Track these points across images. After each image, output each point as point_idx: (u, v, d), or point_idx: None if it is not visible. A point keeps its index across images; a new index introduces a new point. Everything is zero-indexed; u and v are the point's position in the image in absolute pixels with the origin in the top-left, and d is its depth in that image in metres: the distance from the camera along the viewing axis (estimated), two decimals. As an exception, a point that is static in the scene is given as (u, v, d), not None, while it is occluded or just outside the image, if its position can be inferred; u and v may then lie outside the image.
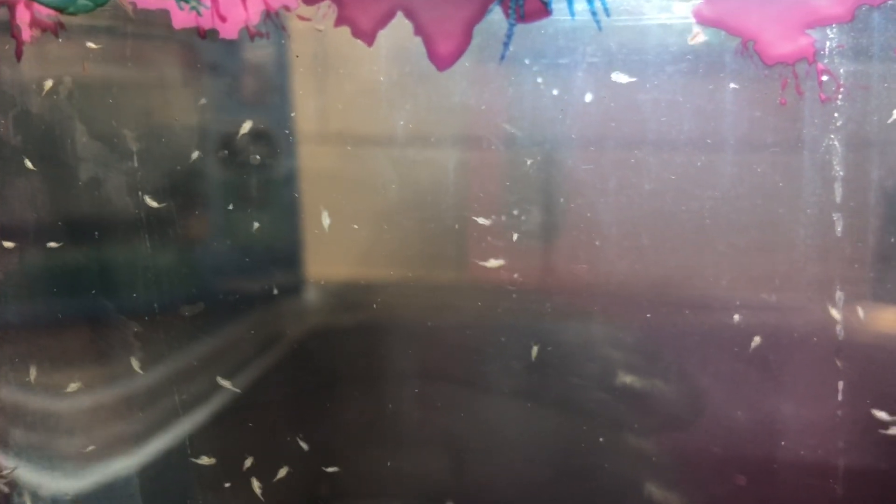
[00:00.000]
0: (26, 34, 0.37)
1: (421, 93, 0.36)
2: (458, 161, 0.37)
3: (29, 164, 0.38)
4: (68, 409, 0.41)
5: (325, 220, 0.38)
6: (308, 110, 0.36)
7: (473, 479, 0.39)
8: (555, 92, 0.35)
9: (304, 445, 0.39)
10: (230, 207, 0.38)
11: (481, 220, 0.37)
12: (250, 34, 0.36)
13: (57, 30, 0.37)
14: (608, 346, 0.37)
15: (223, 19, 0.35)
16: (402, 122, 0.36)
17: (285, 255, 0.37)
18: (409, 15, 0.34)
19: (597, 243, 0.35)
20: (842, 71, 0.33)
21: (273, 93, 0.36)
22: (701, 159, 0.35)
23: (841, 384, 0.35)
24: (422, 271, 0.38)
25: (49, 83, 0.38)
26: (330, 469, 0.40)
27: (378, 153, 0.37)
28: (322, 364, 0.39)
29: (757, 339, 0.36)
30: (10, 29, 0.37)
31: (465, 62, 0.34)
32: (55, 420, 0.42)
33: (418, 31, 0.34)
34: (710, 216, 0.36)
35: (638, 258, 0.35)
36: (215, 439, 0.40)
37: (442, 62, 0.34)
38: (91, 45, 0.37)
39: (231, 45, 0.36)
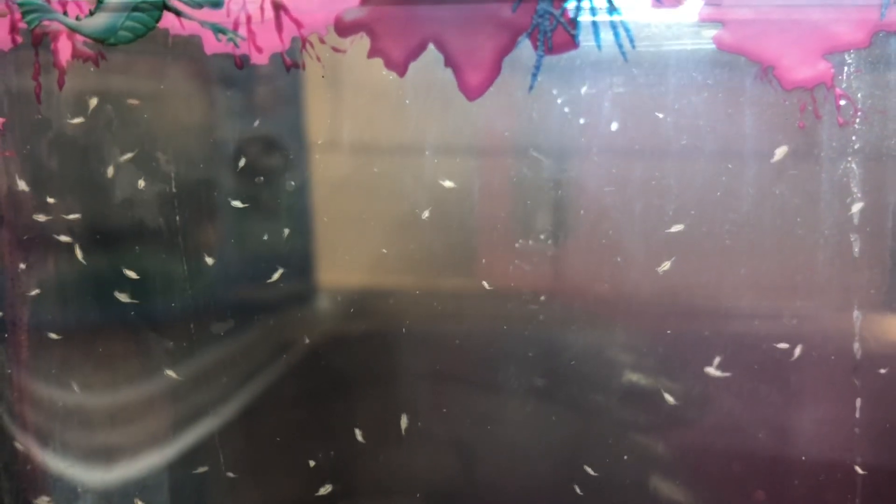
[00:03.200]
0: (68, 63, 0.37)
1: (449, 119, 0.36)
2: (488, 186, 0.37)
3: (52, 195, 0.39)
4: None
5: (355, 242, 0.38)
6: (335, 133, 0.37)
7: (484, 482, 0.40)
8: (581, 121, 0.36)
9: (317, 448, 0.40)
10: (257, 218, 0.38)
11: (517, 245, 0.37)
12: (286, 65, 0.36)
13: (98, 60, 0.37)
14: (624, 359, 0.37)
15: (259, 50, 0.36)
16: (430, 148, 0.36)
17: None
18: (441, 47, 0.35)
19: (618, 259, 0.36)
20: (859, 95, 0.34)
21: (296, 114, 0.37)
22: (721, 182, 0.36)
23: (858, 401, 0.36)
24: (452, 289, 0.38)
25: (91, 110, 0.39)
26: (339, 472, 0.40)
27: (407, 176, 0.37)
28: (334, 370, 0.39)
29: (776, 360, 0.36)
30: (53, 58, 0.38)
31: (493, 92, 0.35)
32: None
33: (449, 62, 0.35)
34: (730, 238, 0.36)
35: (658, 277, 0.36)
36: (227, 438, 0.40)
37: (472, 92, 0.35)
38: (133, 101, 0.38)
39: (262, 71, 0.36)
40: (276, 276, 0.39)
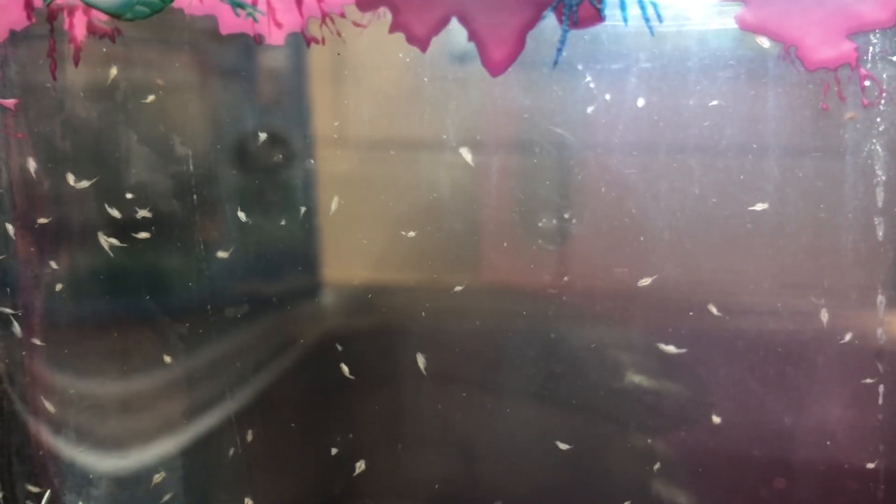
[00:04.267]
0: (83, 38, 0.37)
1: (473, 97, 0.36)
2: (511, 164, 0.37)
3: (73, 175, 0.39)
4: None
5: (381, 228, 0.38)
6: (355, 114, 0.37)
7: (488, 481, 0.39)
8: (607, 97, 0.35)
9: (322, 447, 0.39)
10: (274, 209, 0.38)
11: (540, 224, 0.37)
12: (306, 40, 0.36)
13: (114, 35, 0.37)
14: (647, 350, 0.37)
15: (279, 25, 0.35)
16: (450, 126, 0.36)
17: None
18: (464, 21, 0.34)
19: (641, 238, 0.35)
20: (884, 76, 0.33)
21: (305, 97, 0.37)
22: (743, 163, 0.35)
23: (882, 388, 0.35)
24: (479, 276, 0.38)
25: (107, 86, 0.38)
26: (346, 470, 0.39)
27: (426, 157, 0.37)
28: (337, 367, 0.39)
29: (799, 342, 0.36)
30: (68, 34, 0.37)
31: (517, 67, 0.35)
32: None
33: (472, 36, 0.34)
34: (752, 220, 0.36)
35: (680, 261, 0.35)
36: (235, 435, 0.40)
37: (496, 67, 0.34)
38: (159, 81, 0.37)
39: (277, 51, 0.36)
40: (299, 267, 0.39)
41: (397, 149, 0.37)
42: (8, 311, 0.41)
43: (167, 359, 0.40)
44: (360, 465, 0.40)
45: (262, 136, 0.38)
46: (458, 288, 0.38)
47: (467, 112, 0.36)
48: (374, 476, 0.40)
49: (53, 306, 0.41)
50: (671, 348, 0.37)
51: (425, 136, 0.36)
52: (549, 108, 0.35)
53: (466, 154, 0.36)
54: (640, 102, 0.35)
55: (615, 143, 0.36)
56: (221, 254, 0.38)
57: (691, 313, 0.36)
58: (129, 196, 0.39)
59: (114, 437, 0.41)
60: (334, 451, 0.41)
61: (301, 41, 0.35)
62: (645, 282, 0.36)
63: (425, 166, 0.38)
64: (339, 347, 0.39)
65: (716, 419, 0.38)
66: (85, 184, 0.39)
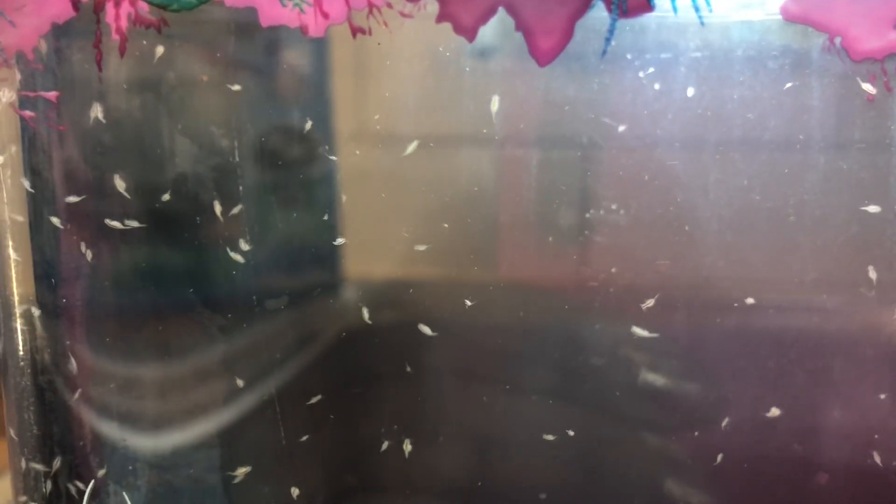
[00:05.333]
0: (128, 29, 0.37)
1: (518, 88, 0.36)
2: (556, 156, 0.37)
3: (116, 167, 0.39)
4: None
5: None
6: (395, 107, 0.37)
7: (506, 477, 0.39)
8: (656, 87, 0.35)
9: (334, 441, 0.39)
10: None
11: (587, 215, 0.37)
12: (352, 30, 0.36)
13: (160, 26, 0.37)
14: (691, 346, 0.37)
15: (325, 16, 0.35)
16: (495, 118, 0.36)
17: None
18: (512, 10, 0.34)
19: (686, 228, 0.35)
20: (933, 67, 0.33)
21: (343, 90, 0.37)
22: (787, 155, 0.35)
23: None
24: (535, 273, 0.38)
25: (151, 77, 0.38)
26: (360, 463, 0.39)
27: (471, 150, 0.37)
28: (359, 362, 0.38)
29: (847, 334, 0.36)
30: (113, 25, 0.37)
31: (565, 57, 0.35)
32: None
33: (520, 26, 0.34)
34: (795, 213, 0.36)
35: (726, 249, 0.35)
36: (250, 432, 0.40)
37: (543, 57, 0.34)
38: (203, 78, 0.37)
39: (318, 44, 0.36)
40: (338, 242, 0.39)
41: (438, 142, 0.36)
42: (50, 302, 0.41)
43: (239, 382, 0.40)
44: (407, 446, 0.39)
45: (308, 124, 0.38)
46: (499, 285, 0.38)
47: (512, 102, 0.36)
48: (390, 472, 0.40)
49: (95, 297, 0.41)
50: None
51: (466, 127, 0.36)
52: (597, 99, 0.35)
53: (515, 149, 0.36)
54: (690, 92, 0.35)
55: (663, 133, 0.36)
56: (247, 246, 0.38)
57: (735, 304, 0.36)
58: (171, 187, 0.39)
59: (157, 426, 0.41)
60: (384, 444, 0.40)
61: (340, 33, 0.35)
62: (687, 274, 0.36)
63: (468, 159, 0.38)
64: (377, 340, 0.39)
65: (774, 412, 0.38)
66: (126, 177, 0.39)
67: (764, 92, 0.34)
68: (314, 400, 0.41)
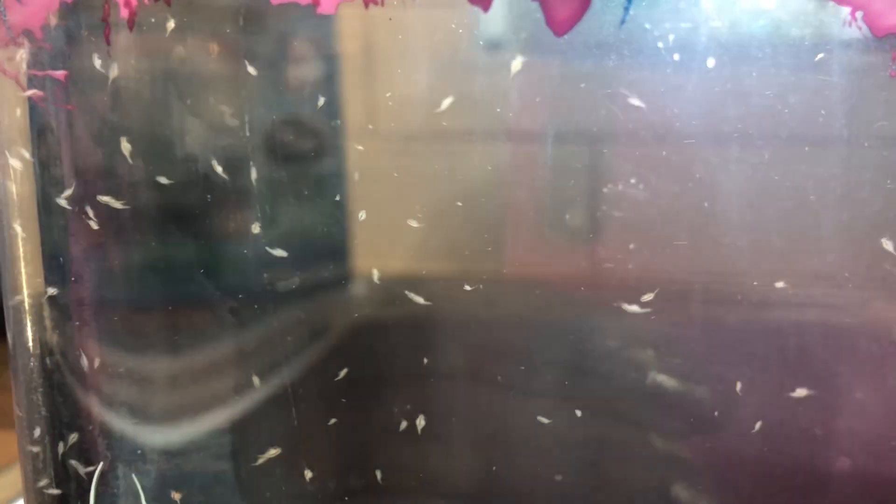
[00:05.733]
0: (138, 3, 0.37)
1: (534, 59, 0.35)
2: (575, 127, 0.36)
3: (126, 146, 0.38)
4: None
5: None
6: (407, 83, 0.36)
7: (516, 477, 0.39)
8: (676, 57, 0.34)
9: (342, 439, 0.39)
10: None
11: (605, 189, 0.36)
12: (365, 2, 0.35)
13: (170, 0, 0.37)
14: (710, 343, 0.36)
15: (337, -11, 0.35)
16: (509, 87, 0.35)
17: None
18: (528, -21, 0.34)
19: (705, 205, 0.35)
20: (959, 41, 0.32)
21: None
22: (807, 131, 0.34)
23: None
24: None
25: (161, 53, 0.38)
26: (367, 464, 0.39)
27: (487, 123, 0.36)
28: (367, 358, 0.38)
29: (864, 320, 0.35)
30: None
31: (583, 27, 0.34)
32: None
33: (536, -5, 0.34)
34: (815, 193, 0.35)
35: (743, 223, 0.35)
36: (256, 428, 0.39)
37: (560, 27, 0.34)
38: (215, 47, 0.37)
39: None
40: (362, 215, 0.38)
41: (450, 118, 0.36)
42: (57, 287, 0.41)
43: (256, 381, 0.39)
44: (421, 421, 0.39)
45: (321, 100, 0.38)
46: (514, 260, 0.38)
47: (529, 75, 0.36)
48: (398, 472, 0.39)
49: (105, 280, 0.40)
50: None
51: (482, 102, 0.36)
52: (615, 70, 0.35)
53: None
54: (711, 63, 0.34)
55: (683, 105, 0.35)
56: (257, 229, 0.38)
57: (755, 283, 0.35)
58: (181, 167, 0.39)
59: (166, 412, 0.41)
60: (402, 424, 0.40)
61: (351, 11, 0.35)
62: (705, 252, 0.35)
63: (483, 134, 0.37)
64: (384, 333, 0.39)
65: (801, 392, 0.37)
66: (137, 157, 0.39)
67: (784, 68, 0.33)
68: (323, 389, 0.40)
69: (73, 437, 0.43)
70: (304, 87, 0.37)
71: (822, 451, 0.37)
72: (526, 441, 0.39)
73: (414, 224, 0.38)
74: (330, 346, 0.39)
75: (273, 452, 0.42)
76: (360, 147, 0.38)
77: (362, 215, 0.38)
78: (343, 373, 0.40)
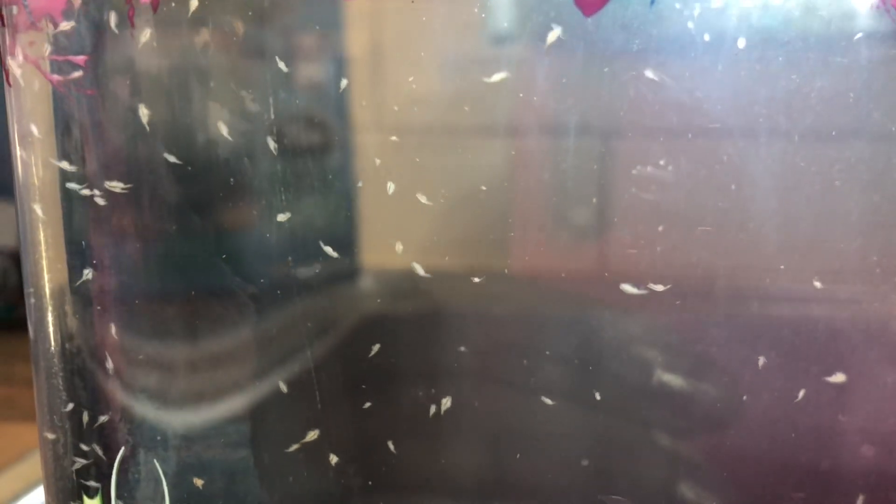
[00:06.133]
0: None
1: (561, 39, 0.35)
2: (599, 108, 0.36)
3: (145, 124, 0.38)
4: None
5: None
6: (431, 66, 0.36)
7: (524, 474, 0.38)
8: (706, 37, 0.34)
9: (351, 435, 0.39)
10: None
11: (634, 172, 0.36)
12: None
13: (195, -18, 0.36)
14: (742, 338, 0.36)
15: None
16: (538, 62, 0.35)
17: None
18: (556, -42, 0.33)
19: (732, 187, 0.34)
20: None
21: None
22: (833, 117, 0.34)
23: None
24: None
25: (185, 35, 0.38)
26: (373, 460, 0.39)
27: (510, 103, 0.36)
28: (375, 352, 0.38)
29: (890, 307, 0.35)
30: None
31: (612, 6, 0.34)
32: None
33: (566, -26, 0.33)
34: (840, 178, 0.35)
35: (771, 203, 0.34)
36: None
37: (589, 7, 0.33)
38: (238, 33, 0.37)
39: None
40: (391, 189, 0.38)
41: (474, 102, 0.36)
42: (82, 271, 0.41)
43: (283, 387, 0.39)
44: (447, 402, 0.39)
45: (344, 83, 0.37)
46: (539, 233, 0.37)
47: (557, 56, 0.35)
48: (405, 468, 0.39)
49: (124, 266, 0.40)
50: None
51: (505, 80, 0.35)
52: (645, 49, 0.34)
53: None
54: (742, 44, 0.34)
55: (712, 86, 0.35)
56: (281, 217, 0.38)
57: (782, 266, 0.35)
58: (204, 152, 0.38)
59: (187, 397, 0.41)
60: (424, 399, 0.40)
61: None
62: (730, 235, 0.35)
63: (506, 112, 0.37)
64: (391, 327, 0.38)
65: (839, 377, 0.37)
66: (159, 141, 0.39)
67: (811, 52, 0.33)
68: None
69: (93, 423, 0.42)
70: (319, 77, 0.37)
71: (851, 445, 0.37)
72: (537, 431, 0.38)
73: (429, 205, 0.38)
74: (339, 338, 0.39)
75: (311, 436, 0.41)
76: (375, 139, 0.37)
77: (376, 203, 0.38)
78: (371, 353, 0.40)
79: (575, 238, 0.38)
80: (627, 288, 0.37)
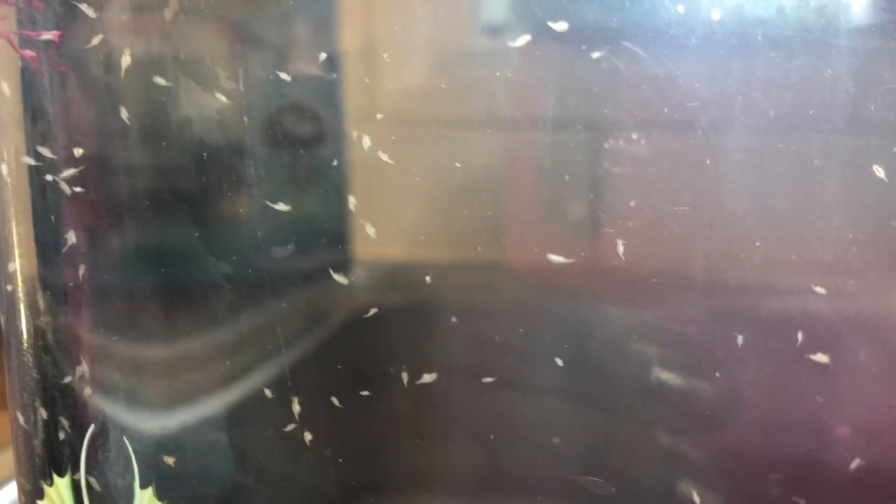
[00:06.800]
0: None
1: (536, 12, 0.35)
2: (573, 78, 0.36)
3: (124, 111, 0.38)
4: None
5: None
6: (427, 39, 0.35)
7: (517, 471, 0.38)
8: (680, 9, 0.34)
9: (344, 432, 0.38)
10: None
11: (606, 145, 0.36)
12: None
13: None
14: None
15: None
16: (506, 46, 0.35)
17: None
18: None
19: (707, 162, 0.34)
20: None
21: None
22: (811, 94, 0.34)
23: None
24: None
25: (159, 12, 0.37)
26: (366, 460, 0.38)
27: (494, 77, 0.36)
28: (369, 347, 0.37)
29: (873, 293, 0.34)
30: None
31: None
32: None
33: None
34: (819, 156, 0.35)
35: (758, 180, 0.34)
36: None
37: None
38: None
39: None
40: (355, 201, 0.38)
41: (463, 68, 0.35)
42: (55, 248, 0.40)
43: (267, 393, 0.39)
44: (436, 391, 0.38)
45: (335, 75, 0.37)
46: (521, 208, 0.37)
47: (530, 19, 0.35)
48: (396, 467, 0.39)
49: (101, 258, 0.40)
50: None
51: (484, 53, 0.35)
52: (617, 21, 0.34)
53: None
54: (716, 15, 0.34)
55: (686, 61, 0.34)
56: (283, 206, 0.37)
57: (758, 244, 0.35)
58: (179, 136, 0.38)
59: (162, 396, 0.40)
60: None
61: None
62: (708, 212, 0.35)
63: (486, 86, 0.36)
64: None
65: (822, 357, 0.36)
66: (135, 126, 0.38)
67: (788, 29, 0.33)
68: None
69: (64, 400, 0.42)
70: (306, 68, 0.37)
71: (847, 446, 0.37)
72: (533, 430, 0.38)
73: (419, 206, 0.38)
74: (327, 333, 0.39)
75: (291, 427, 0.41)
76: (366, 131, 0.37)
77: (356, 201, 0.38)
78: (361, 345, 0.40)
79: (554, 220, 0.38)
80: (606, 266, 0.36)
